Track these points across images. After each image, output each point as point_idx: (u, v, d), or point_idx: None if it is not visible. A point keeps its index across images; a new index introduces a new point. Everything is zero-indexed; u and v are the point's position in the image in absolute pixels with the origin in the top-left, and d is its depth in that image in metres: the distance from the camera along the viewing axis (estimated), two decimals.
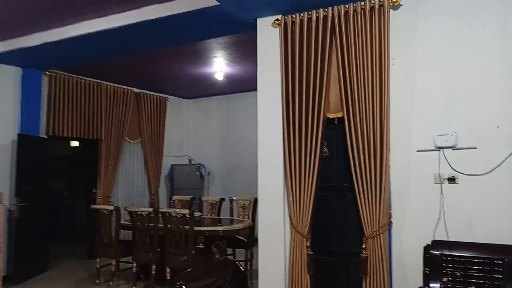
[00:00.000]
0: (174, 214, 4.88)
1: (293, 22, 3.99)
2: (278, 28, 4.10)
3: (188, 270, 2.46)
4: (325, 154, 3.98)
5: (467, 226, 3.43)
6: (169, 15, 4.05)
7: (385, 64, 3.63)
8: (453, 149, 3.51)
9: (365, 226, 3.65)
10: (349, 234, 3.91)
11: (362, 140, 3.68)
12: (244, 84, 7.90)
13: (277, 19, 4.08)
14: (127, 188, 7.97)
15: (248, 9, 3.97)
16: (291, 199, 3.93)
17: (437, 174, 3.55)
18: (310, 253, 3.85)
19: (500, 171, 3.34)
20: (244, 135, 8.83)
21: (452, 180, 3.51)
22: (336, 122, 3.93)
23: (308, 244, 3.86)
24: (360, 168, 3.68)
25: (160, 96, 8.61)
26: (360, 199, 3.67)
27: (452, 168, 3.50)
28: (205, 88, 8.53)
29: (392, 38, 3.64)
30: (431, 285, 3.29)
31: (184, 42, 5.11)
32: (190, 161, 9.30)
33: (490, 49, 3.40)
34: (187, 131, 9.68)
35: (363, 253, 3.65)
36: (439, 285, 3.27)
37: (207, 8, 3.90)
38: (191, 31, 4.50)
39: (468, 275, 3.24)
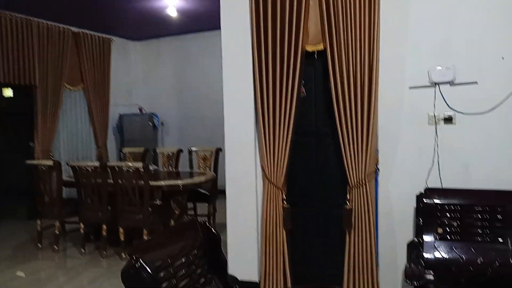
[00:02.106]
0: (125, 168, 4.22)
1: None
2: None
3: (146, 239, 1.88)
4: (302, 95, 3.42)
5: (464, 171, 3.07)
6: None
7: None
8: (450, 85, 3.06)
9: (349, 174, 3.20)
10: (330, 184, 3.46)
11: (348, 76, 3.14)
12: (201, 21, 7.05)
13: None
14: (70, 141, 7.12)
15: None
16: (263, 146, 3.38)
17: (432, 114, 3.12)
18: (287, 206, 3.38)
19: (503, 108, 2.95)
20: (202, 81, 8.09)
21: (448, 120, 3.09)
22: (316, 57, 3.35)
23: (284, 197, 3.39)
24: (345, 110, 3.16)
25: (103, 37, 7.59)
26: (344, 144, 3.19)
27: (449, 107, 3.08)
28: (155, 28, 7.58)
29: None
30: (424, 237, 2.94)
31: None
32: (140, 110, 8.48)
33: None
34: (136, 77, 8.76)
35: (347, 205, 3.23)
36: (433, 237, 2.93)
37: None
38: None
39: (466, 225, 2.91)
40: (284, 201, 3.39)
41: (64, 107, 6.90)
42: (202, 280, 2.09)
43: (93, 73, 7.36)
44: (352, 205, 3.22)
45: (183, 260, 1.98)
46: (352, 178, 3.20)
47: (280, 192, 3.38)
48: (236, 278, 2.33)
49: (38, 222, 4.88)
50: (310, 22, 3.29)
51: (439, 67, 3.05)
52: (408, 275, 2.64)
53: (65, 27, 6.75)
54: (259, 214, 3.53)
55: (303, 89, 3.44)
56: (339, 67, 3.16)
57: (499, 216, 2.85)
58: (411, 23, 3.13)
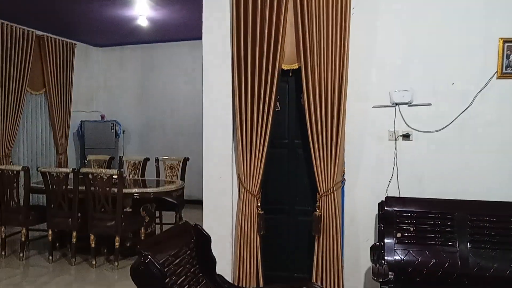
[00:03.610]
0: (100, 176, 4.28)
1: None
2: None
3: (153, 239, 2.05)
4: (277, 109, 3.69)
5: (419, 183, 3.46)
6: None
7: (345, 13, 3.38)
8: (408, 105, 3.46)
9: (319, 183, 3.50)
10: (300, 192, 3.75)
11: (320, 93, 3.46)
12: (167, 32, 7.19)
13: None
14: (30, 146, 6.95)
15: None
16: (240, 156, 3.61)
17: (392, 131, 3.50)
18: (261, 212, 3.62)
19: (453, 128, 3.38)
20: (166, 90, 8.19)
21: (406, 137, 3.48)
22: (290, 74, 3.64)
23: (259, 204, 3.62)
24: (316, 124, 3.47)
25: (67, 42, 7.51)
26: (315, 155, 3.49)
27: (407, 125, 3.47)
28: (120, 36, 7.62)
29: None
30: (386, 240, 3.28)
31: None
32: (102, 117, 8.42)
33: (450, 3, 3.34)
34: (98, 84, 8.69)
35: (316, 211, 3.52)
36: (393, 241, 3.28)
37: None
38: None
39: (420, 230, 3.28)
40: (259, 208, 3.62)
41: (25, 111, 6.75)
42: (195, 278, 2.27)
43: (55, 78, 7.25)
44: (321, 212, 3.52)
45: (180, 259, 2.16)
46: (321, 186, 3.50)
47: (255, 199, 3.61)
48: (224, 278, 2.53)
49: (2, 228, 4.78)
50: (286, 43, 3.58)
51: (399, 90, 3.44)
52: (375, 273, 2.96)
53: (29, 30, 6.64)
54: (234, 220, 3.73)
55: (277, 103, 3.71)
56: (312, 85, 3.47)
57: (449, 222, 3.24)
58: (376, 48, 3.50)
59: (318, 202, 3.52)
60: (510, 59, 3.28)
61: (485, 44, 3.29)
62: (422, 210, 3.32)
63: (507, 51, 3.27)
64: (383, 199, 3.41)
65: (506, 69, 3.29)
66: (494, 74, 3.28)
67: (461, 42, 3.34)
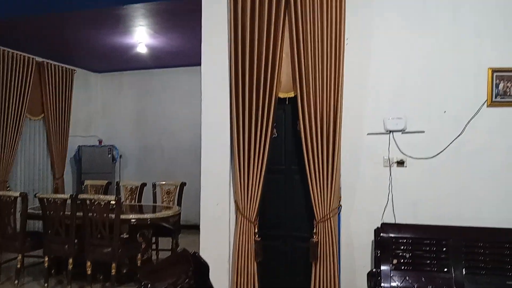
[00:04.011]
0: (98, 202, 4.30)
1: None
2: None
3: (151, 267, 2.07)
4: (273, 135, 3.77)
5: (414, 208, 3.51)
6: None
7: (339, 43, 3.51)
8: (402, 133, 3.54)
9: (316, 209, 3.54)
10: (297, 218, 3.78)
11: (315, 120, 3.54)
12: (165, 58, 7.32)
13: None
14: (27, 171, 6.96)
15: None
16: (238, 182, 3.66)
17: (387, 157, 3.56)
18: (258, 239, 3.64)
19: (446, 154, 3.45)
20: (163, 115, 8.27)
21: (400, 163, 3.55)
22: (287, 102, 3.73)
23: (256, 231, 3.65)
24: (313, 150, 3.54)
25: (66, 68, 7.62)
26: (311, 182, 3.54)
27: (401, 152, 3.54)
28: (119, 62, 7.73)
29: (347, 17, 3.52)
30: (382, 267, 3.30)
31: (111, 4, 4.46)
32: (100, 142, 8.46)
33: (441, 34, 3.47)
34: (96, 109, 8.77)
35: (313, 238, 3.55)
36: (389, 267, 3.30)
37: None
38: None
39: (416, 256, 3.31)
40: (256, 235, 3.64)
41: (23, 136, 6.79)
42: None
43: (54, 103, 7.32)
44: (318, 239, 3.54)
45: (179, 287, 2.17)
46: (318, 213, 3.54)
47: (253, 225, 3.64)
48: None
49: None
50: (282, 72, 3.69)
51: (393, 118, 3.53)
52: None
53: (30, 56, 6.75)
54: (231, 247, 3.75)
55: (274, 130, 3.79)
56: (308, 112, 3.55)
57: (444, 249, 3.28)
58: (370, 77, 3.60)
59: (315, 229, 3.55)
60: (499, 88, 3.38)
61: (475, 73, 3.40)
62: (417, 237, 3.36)
63: (496, 80, 3.38)
64: (379, 226, 3.45)
65: (495, 98, 3.39)
66: (485, 103, 3.38)
67: (452, 71, 3.45)
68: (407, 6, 3.53)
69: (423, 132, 3.50)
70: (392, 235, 3.38)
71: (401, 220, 3.50)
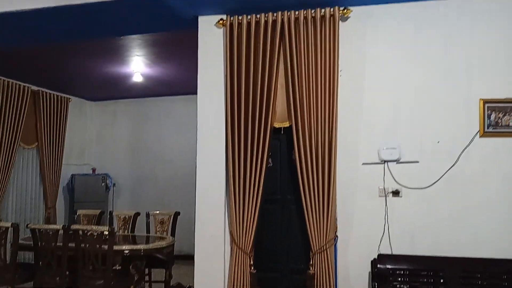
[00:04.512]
0: (91, 232, 4.23)
1: (239, 24, 3.75)
2: (223, 29, 3.82)
3: None
4: (269, 165, 3.77)
5: (410, 239, 3.49)
6: (100, 2, 3.51)
7: (333, 75, 3.57)
8: (397, 163, 3.56)
9: (312, 241, 3.51)
10: (293, 250, 3.74)
11: (311, 150, 3.55)
12: (161, 87, 7.38)
13: (222, 19, 3.79)
14: (19, 200, 6.86)
15: (192, 4, 3.62)
16: (233, 212, 3.63)
17: (382, 188, 3.57)
18: (254, 271, 3.59)
19: (441, 184, 3.46)
20: (157, 143, 8.26)
21: (396, 193, 3.55)
22: (282, 132, 3.76)
23: (252, 262, 3.60)
24: (308, 180, 3.54)
25: (62, 96, 7.64)
26: (307, 212, 3.53)
27: (396, 182, 3.55)
28: (115, 90, 7.78)
29: (341, 49, 3.60)
30: None
31: (109, 35, 4.54)
32: (93, 170, 8.40)
33: (433, 66, 3.55)
34: (90, 137, 8.74)
35: (310, 270, 3.50)
36: None
37: None
38: (121, 23, 3.99)
39: (414, 287, 3.27)
40: (252, 266, 3.59)
41: (16, 165, 6.73)
42: None
43: (49, 132, 7.30)
44: (314, 270, 3.50)
45: None
46: (314, 243, 3.50)
47: (248, 257, 3.59)
48: None
49: None
50: (277, 102, 3.73)
51: (387, 148, 3.55)
52: None
53: (25, 85, 6.76)
54: (226, 279, 3.68)
55: (269, 160, 3.79)
56: (303, 142, 3.57)
57: (441, 280, 3.25)
58: (364, 108, 3.64)
59: (311, 260, 3.51)
60: (491, 118, 3.44)
61: (467, 104, 3.46)
62: (414, 268, 3.34)
63: (487, 111, 3.44)
64: (376, 257, 3.42)
65: (488, 128, 3.44)
66: (477, 133, 3.43)
67: (444, 102, 3.51)
68: (399, 40, 3.61)
69: (418, 162, 3.52)
70: (389, 266, 3.35)
71: (398, 250, 3.48)
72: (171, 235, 5.73)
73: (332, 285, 3.47)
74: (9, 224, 4.54)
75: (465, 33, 3.50)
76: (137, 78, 6.43)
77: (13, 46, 4.95)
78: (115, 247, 4.45)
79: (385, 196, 3.55)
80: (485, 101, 3.43)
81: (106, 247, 4.25)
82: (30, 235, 4.59)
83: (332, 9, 3.57)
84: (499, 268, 3.20)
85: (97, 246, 4.25)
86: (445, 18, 3.53)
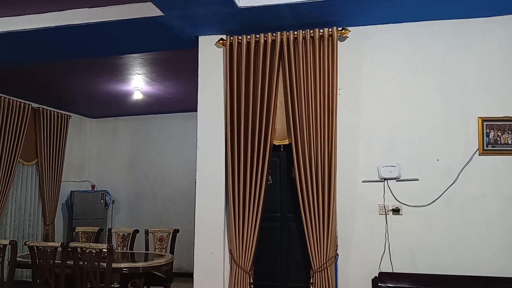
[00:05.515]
0: (89, 250, 4.21)
1: (239, 43, 3.80)
2: (222, 48, 3.87)
3: None
4: (269, 182, 3.78)
5: (411, 256, 3.48)
6: (101, 22, 3.57)
7: (332, 93, 3.60)
8: (396, 180, 3.57)
9: (312, 259, 3.49)
10: (293, 268, 3.72)
11: (310, 168, 3.56)
12: (161, 105, 7.42)
13: (222, 39, 3.84)
14: (17, 217, 6.82)
15: (193, 25, 3.67)
16: (233, 230, 3.62)
17: (382, 205, 3.57)
18: None
19: (441, 202, 3.47)
20: (157, 160, 8.26)
21: (396, 211, 3.55)
22: (281, 149, 3.77)
23: (251, 281, 3.57)
24: (308, 198, 3.54)
25: (62, 113, 7.67)
26: (307, 230, 3.52)
27: (396, 199, 3.55)
28: (115, 108, 7.83)
29: (339, 68, 3.64)
30: None
31: (110, 54, 4.59)
32: (93, 187, 8.38)
33: (430, 84, 3.58)
34: (90, 154, 8.75)
35: None
36: None
37: (148, 18, 3.52)
38: (122, 42, 4.05)
39: None
40: (252, 285, 3.56)
41: (15, 181, 6.72)
42: None
43: (48, 149, 7.30)
44: None
45: None
46: (315, 262, 3.48)
47: (248, 276, 3.57)
48: None
49: None
50: (277, 120, 3.76)
51: (386, 166, 3.56)
52: None
53: (26, 102, 6.80)
54: None
55: (269, 177, 3.80)
56: (302, 159, 3.59)
57: None
58: (363, 125, 3.67)
59: (312, 279, 3.49)
60: (490, 136, 3.46)
61: (466, 123, 3.49)
62: (415, 286, 3.31)
63: (486, 129, 3.46)
64: (377, 275, 3.40)
65: (487, 146, 3.46)
66: (476, 151, 3.44)
67: (443, 120, 3.53)
68: (396, 59, 3.66)
69: (417, 180, 3.53)
70: (390, 284, 3.33)
71: (398, 268, 3.46)
72: (170, 252, 5.70)
73: None
74: (7, 242, 4.52)
75: (461, 52, 3.55)
76: (138, 95, 6.47)
77: (15, 65, 4.99)
78: (114, 265, 4.42)
79: (385, 214, 3.55)
80: (483, 120, 3.46)
81: (104, 265, 4.22)
82: (28, 252, 4.56)
83: (330, 30, 3.63)
84: (499, 286, 3.18)
85: (96, 263, 4.22)
86: (441, 38, 3.58)
